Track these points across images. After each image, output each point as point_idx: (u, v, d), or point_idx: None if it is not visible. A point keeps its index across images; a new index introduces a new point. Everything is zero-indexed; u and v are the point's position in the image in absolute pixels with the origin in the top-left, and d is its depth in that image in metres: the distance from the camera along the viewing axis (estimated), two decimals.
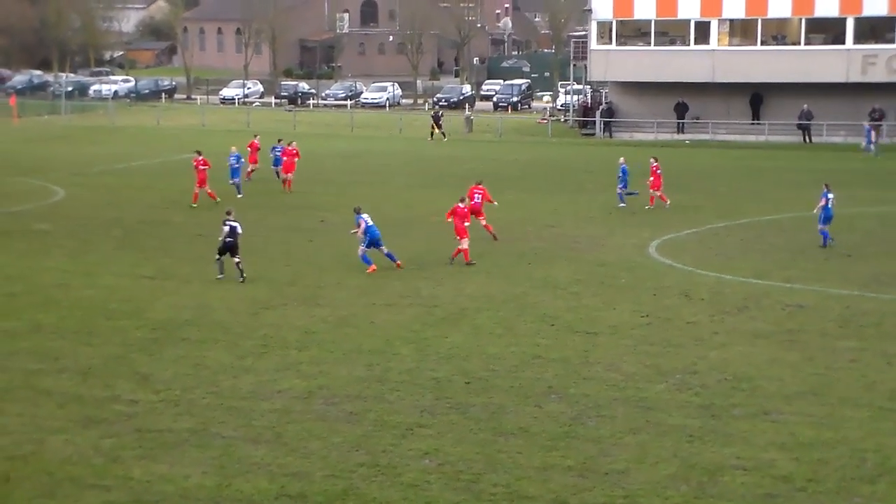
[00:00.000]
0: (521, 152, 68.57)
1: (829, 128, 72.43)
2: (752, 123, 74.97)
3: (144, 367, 23.11)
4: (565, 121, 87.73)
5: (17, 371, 22.58)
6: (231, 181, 46.74)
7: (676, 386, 22.17)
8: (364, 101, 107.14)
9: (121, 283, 30.85)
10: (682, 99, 75.43)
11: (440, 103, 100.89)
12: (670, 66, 74.87)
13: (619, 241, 38.14)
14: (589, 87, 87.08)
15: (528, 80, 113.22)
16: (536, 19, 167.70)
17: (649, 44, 76.44)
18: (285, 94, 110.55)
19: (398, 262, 33.09)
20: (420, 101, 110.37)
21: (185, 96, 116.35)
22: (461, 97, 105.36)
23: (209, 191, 44.36)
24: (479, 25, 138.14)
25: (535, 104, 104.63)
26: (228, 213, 32.55)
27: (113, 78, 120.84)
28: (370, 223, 32.87)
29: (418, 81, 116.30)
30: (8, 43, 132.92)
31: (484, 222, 38.02)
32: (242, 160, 47.59)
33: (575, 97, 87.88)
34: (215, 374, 22.71)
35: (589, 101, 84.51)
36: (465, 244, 33.92)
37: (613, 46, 76.70)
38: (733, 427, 19.85)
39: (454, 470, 17.82)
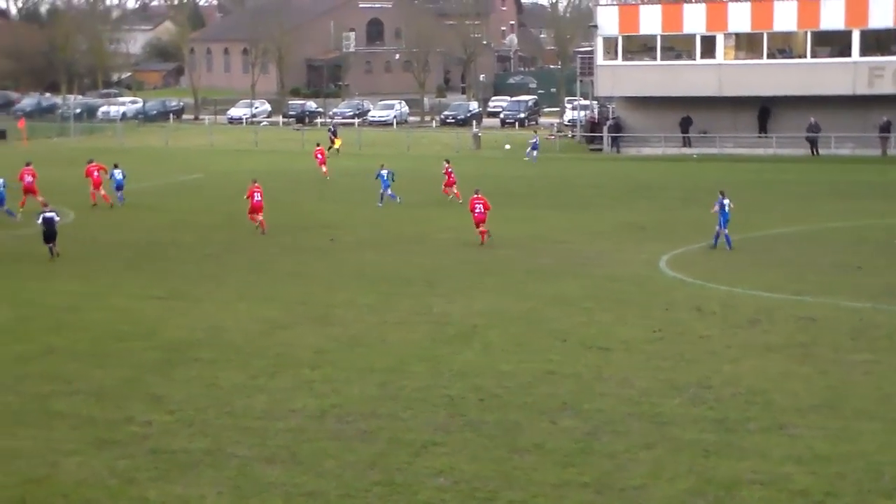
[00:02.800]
0: (528, 168, 68.59)
1: (837, 140, 72.41)
2: (760, 137, 74.97)
3: (157, 388, 23.09)
4: (572, 136, 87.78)
5: (30, 394, 22.57)
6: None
7: (691, 400, 22.11)
8: (371, 118, 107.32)
9: (132, 305, 30.85)
10: (687, 113, 75.48)
11: (334, 122, 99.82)
12: (677, 81, 74.89)
13: (628, 257, 38.11)
14: (596, 102, 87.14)
15: (535, 97, 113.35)
16: (542, 35, 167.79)
17: (655, 58, 76.56)
18: (293, 113, 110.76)
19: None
20: (427, 118, 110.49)
21: (192, 117, 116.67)
22: (468, 114, 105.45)
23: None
24: (484, 43, 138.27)
25: (542, 120, 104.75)
26: (45, 205, 39.40)
27: (121, 99, 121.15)
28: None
29: (425, 99, 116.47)
30: (16, 66, 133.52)
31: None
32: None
33: (582, 112, 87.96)
34: (229, 394, 22.68)
35: (596, 116, 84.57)
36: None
37: (620, 62, 76.79)
38: (749, 441, 19.79)
39: (469, 487, 17.77)
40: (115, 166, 51.81)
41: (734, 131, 75.45)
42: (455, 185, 51.60)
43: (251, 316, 29.41)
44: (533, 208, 50.46)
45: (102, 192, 48.35)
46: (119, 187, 50.90)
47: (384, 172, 50.98)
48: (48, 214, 37.52)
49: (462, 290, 32.69)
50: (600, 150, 78.78)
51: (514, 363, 24.89)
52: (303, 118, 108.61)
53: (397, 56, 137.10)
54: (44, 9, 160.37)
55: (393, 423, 20.87)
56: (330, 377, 23.80)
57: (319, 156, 63.79)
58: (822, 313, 29.39)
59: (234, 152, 79.23)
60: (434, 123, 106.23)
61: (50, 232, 37.31)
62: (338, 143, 77.37)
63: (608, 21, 76.64)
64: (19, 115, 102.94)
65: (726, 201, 39.17)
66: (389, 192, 50.76)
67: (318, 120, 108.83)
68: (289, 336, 27.39)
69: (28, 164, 48.95)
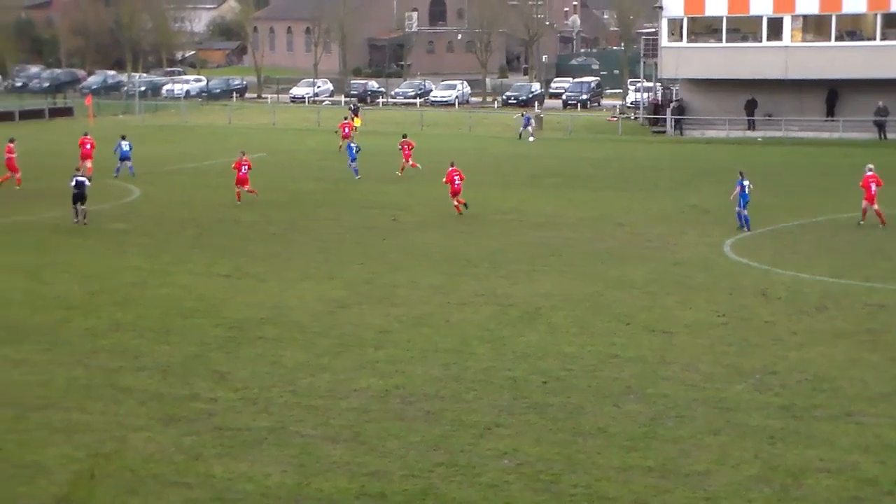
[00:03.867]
0: (591, 150, 68.27)
1: None
2: (826, 120, 74.05)
3: (222, 365, 23.26)
4: (635, 118, 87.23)
5: (98, 369, 22.83)
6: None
7: (756, 386, 21.93)
8: (433, 99, 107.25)
9: (197, 282, 31.09)
10: (752, 96, 74.71)
11: (353, 99, 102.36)
12: (742, 63, 74.10)
13: (692, 240, 37.83)
14: (659, 84, 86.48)
15: (598, 78, 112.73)
16: (605, 16, 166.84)
17: (721, 41, 75.67)
18: (355, 92, 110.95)
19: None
20: (489, 98, 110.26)
21: (255, 95, 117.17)
22: (530, 95, 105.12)
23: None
24: (547, 23, 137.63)
25: (604, 101, 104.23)
26: (77, 170, 41.37)
27: (185, 77, 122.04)
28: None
29: (487, 79, 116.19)
30: (83, 44, 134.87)
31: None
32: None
33: (644, 94, 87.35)
34: (292, 372, 22.81)
35: (659, 98, 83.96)
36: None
37: (684, 43, 76.08)
38: (815, 429, 19.59)
39: (533, 470, 17.76)
40: (123, 137, 53.78)
41: (800, 114, 74.51)
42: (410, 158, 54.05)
43: (315, 295, 29.53)
44: (595, 190, 50.19)
45: (89, 164, 49.77)
46: (124, 157, 52.93)
47: (353, 146, 54.55)
48: (80, 178, 40.00)
49: (525, 272, 32.62)
50: (663, 132, 78.18)
51: (577, 346, 24.82)
52: (364, 98, 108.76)
53: (459, 36, 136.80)
54: None
55: (456, 404, 20.89)
56: (393, 357, 23.85)
57: (346, 129, 63.76)
58: (892, 300, 29.01)
59: (297, 131, 79.51)
60: (496, 104, 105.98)
61: (80, 194, 39.60)
62: (357, 122, 77.89)
63: (673, 2, 75.91)
64: (86, 92, 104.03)
65: (746, 182, 39.44)
66: (355, 165, 53.45)
67: (380, 100, 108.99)
68: (352, 315, 27.47)
69: (86, 134, 51.95)
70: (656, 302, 29.06)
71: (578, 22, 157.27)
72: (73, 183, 39.77)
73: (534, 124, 76.21)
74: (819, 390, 21.65)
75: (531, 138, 74.13)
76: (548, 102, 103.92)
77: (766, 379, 22.37)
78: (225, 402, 20.92)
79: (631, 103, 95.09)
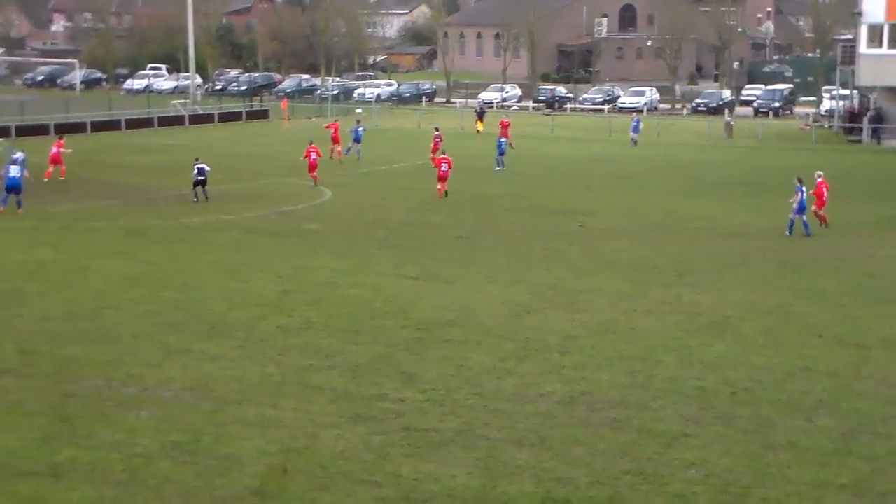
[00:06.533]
0: (782, 159, 66.87)
1: None
2: None
3: (409, 366, 23.56)
4: (829, 127, 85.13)
5: (290, 366, 23.38)
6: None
7: None
8: (621, 105, 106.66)
9: (385, 283, 31.55)
10: None
11: (483, 102, 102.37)
12: None
13: (889, 253, 36.74)
14: (856, 92, 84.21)
15: (791, 85, 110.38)
16: (800, 23, 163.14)
17: None
18: (542, 98, 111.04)
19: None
20: (678, 105, 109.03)
21: (444, 100, 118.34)
22: (720, 102, 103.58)
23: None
24: (739, 30, 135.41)
25: (797, 109, 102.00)
26: (197, 159, 46.09)
27: (376, 82, 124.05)
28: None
29: (676, 86, 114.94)
30: (280, 48, 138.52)
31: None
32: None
33: (840, 102, 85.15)
34: (478, 375, 22.96)
35: (856, 106, 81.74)
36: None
37: (885, 50, 73.94)
38: None
39: (721, 482, 17.50)
40: (358, 122, 61.24)
41: None
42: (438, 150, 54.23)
43: (501, 299, 29.68)
44: (785, 199, 49.10)
45: (51, 168, 51.48)
46: (357, 139, 60.93)
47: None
48: (201, 165, 45.69)
49: (713, 281, 32.17)
50: (859, 141, 76.16)
51: (767, 357, 24.35)
52: (552, 103, 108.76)
53: (649, 42, 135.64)
54: None
55: (643, 412, 20.73)
56: (579, 363, 23.80)
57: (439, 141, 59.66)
58: None
59: (484, 135, 79.98)
60: (685, 111, 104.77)
61: (200, 180, 45.66)
62: (479, 125, 78.84)
63: (874, 8, 73.86)
64: (282, 95, 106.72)
65: (804, 188, 39.66)
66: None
67: (568, 106, 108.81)
68: (538, 320, 27.51)
69: (311, 143, 52.55)
70: (849, 314, 28.32)
71: (772, 28, 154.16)
72: (196, 171, 45.59)
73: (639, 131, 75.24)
74: None
75: (632, 144, 73.02)
76: (738, 110, 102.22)
77: None
78: (412, 403, 21.19)
79: (825, 111, 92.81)
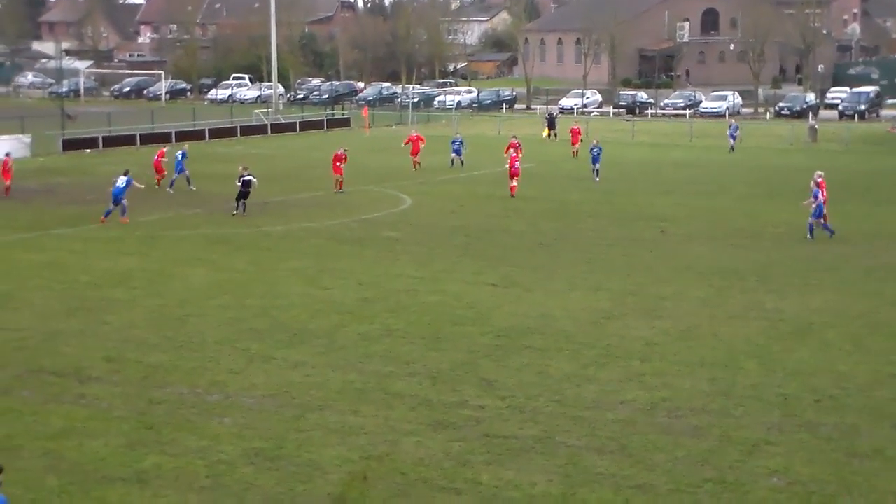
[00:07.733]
0: (868, 162, 65.94)
1: None
2: None
3: (490, 373, 23.59)
4: None
5: (371, 373, 23.53)
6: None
7: None
8: (703, 110, 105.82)
9: (465, 290, 31.60)
10: None
11: (558, 108, 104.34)
12: None
13: None
14: None
15: (877, 88, 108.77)
16: (888, 24, 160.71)
17: None
18: (623, 103, 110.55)
19: None
20: (761, 109, 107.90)
21: (524, 106, 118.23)
22: (804, 105, 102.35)
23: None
24: (824, 32, 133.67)
25: (883, 112, 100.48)
26: (245, 169, 44.48)
27: (456, 89, 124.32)
28: None
29: (759, 90, 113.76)
30: (361, 57, 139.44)
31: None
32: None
33: None
34: (559, 382, 22.94)
35: None
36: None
37: None
38: None
39: (805, 490, 17.32)
40: (457, 134, 63.23)
41: None
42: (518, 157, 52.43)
43: (581, 305, 29.61)
44: (873, 204, 48.51)
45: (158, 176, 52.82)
46: (457, 153, 62.34)
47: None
48: (247, 177, 44.14)
49: (796, 287, 31.81)
50: None
51: (852, 364, 24.05)
52: (633, 109, 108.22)
53: (732, 46, 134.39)
54: (388, 1, 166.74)
55: (724, 419, 20.58)
56: (660, 370, 23.68)
57: (513, 151, 54.90)
58: None
59: (564, 142, 79.74)
60: (767, 115, 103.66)
61: (244, 192, 44.08)
62: (546, 132, 79.88)
63: None
64: (363, 103, 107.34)
65: (820, 191, 39.33)
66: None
67: (649, 111, 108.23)
68: (618, 327, 27.42)
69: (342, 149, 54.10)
70: None
71: (858, 30, 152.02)
72: (240, 182, 44.04)
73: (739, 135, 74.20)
74: None
75: (732, 149, 72.20)
76: (823, 113, 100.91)
77: None
78: (492, 410, 21.22)
79: None
